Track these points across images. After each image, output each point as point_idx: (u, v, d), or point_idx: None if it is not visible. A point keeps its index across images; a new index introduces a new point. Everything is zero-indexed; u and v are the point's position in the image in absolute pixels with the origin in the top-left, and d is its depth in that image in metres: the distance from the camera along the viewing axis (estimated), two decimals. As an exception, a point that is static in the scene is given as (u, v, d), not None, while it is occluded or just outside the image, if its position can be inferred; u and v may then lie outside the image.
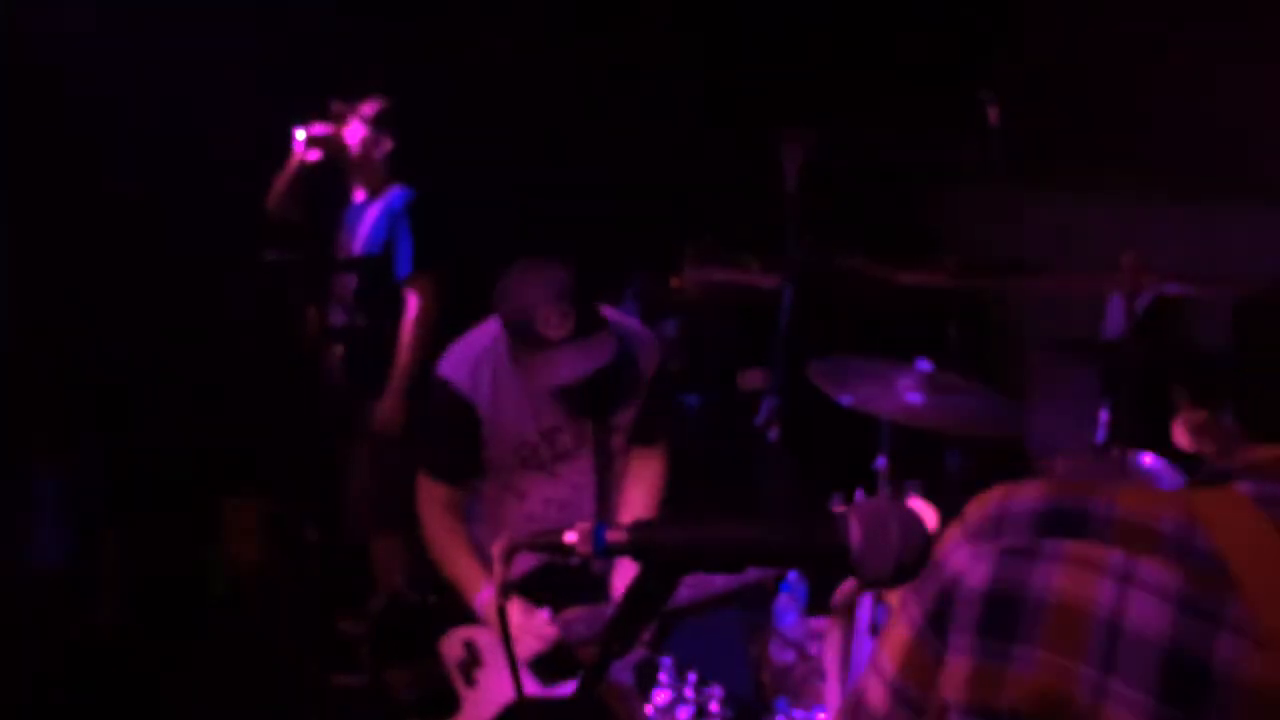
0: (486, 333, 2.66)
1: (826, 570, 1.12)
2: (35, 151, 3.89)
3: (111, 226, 4.03)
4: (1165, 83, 4.01)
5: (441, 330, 3.67)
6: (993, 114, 3.24)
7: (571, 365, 2.43)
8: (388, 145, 3.89)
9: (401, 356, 3.77)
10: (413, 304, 3.80)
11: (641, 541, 1.08)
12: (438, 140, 4.30)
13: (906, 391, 3.13)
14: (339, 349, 3.86)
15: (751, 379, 4.15)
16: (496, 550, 1.15)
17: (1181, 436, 1.37)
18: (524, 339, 2.46)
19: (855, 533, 1.05)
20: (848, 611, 3.12)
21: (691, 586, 2.54)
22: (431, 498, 2.70)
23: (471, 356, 2.64)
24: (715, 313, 4.25)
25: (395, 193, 3.87)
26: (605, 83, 4.43)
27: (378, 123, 3.87)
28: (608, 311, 2.78)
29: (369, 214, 3.89)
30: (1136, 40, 4.04)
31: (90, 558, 4.12)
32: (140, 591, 4.13)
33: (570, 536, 1.07)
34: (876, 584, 1.08)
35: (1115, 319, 3.86)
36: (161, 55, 3.95)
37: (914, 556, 1.07)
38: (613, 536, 1.07)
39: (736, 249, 4.28)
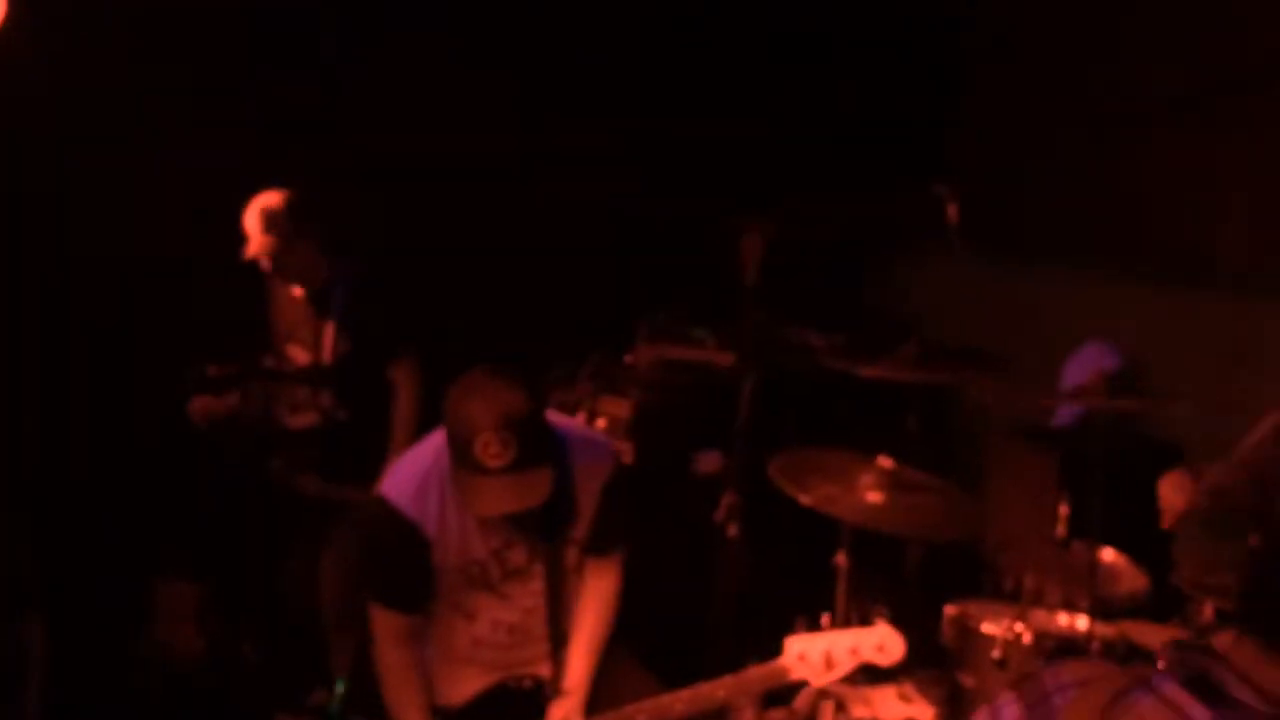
0: (432, 447, 2.54)
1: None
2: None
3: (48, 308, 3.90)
4: (1123, 163, 4.03)
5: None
6: (951, 210, 3.19)
7: (501, 499, 2.33)
8: (307, 240, 3.58)
9: (401, 445, 3.49)
10: (403, 391, 3.60)
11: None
12: (394, 211, 4.20)
13: (866, 490, 3.07)
14: (311, 446, 3.66)
15: (708, 462, 4.08)
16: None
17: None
18: (462, 459, 2.35)
19: None
20: (809, 713, 3.07)
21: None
22: (386, 629, 2.58)
23: (417, 474, 2.52)
24: (669, 390, 4.17)
25: (340, 288, 3.64)
26: (560, 154, 4.37)
27: (279, 223, 3.53)
28: (562, 421, 2.69)
29: (323, 313, 3.66)
30: (1093, 121, 4.06)
31: (16, 646, 3.94)
32: (70, 681, 3.95)
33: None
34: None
35: (1075, 373, 3.85)
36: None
37: None
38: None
39: (691, 325, 4.22)
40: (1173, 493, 3.05)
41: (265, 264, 3.59)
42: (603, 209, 4.42)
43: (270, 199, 3.57)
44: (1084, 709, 1.01)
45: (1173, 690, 0.95)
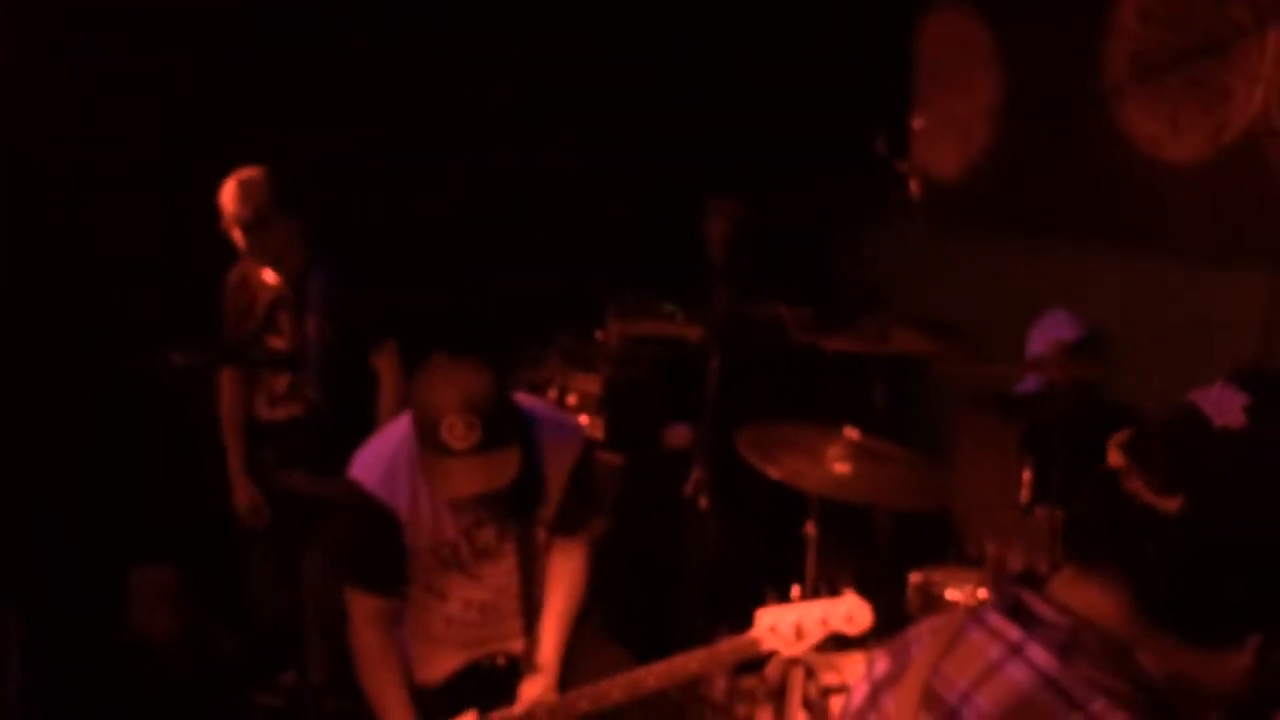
0: (399, 429, 2.55)
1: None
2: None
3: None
4: (1083, 134, 4.06)
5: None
6: (914, 185, 3.23)
7: (468, 481, 2.34)
8: (285, 218, 3.45)
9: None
10: (386, 378, 3.55)
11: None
12: (362, 196, 4.19)
13: (834, 461, 3.11)
14: (298, 439, 3.63)
15: (677, 436, 4.12)
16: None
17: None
18: (428, 441, 2.37)
19: None
20: (780, 681, 3.12)
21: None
22: (363, 611, 2.59)
23: (386, 456, 2.53)
24: (639, 366, 4.20)
25: (318, 276, 3.55)
26: (531, 135, 4.37)
27: (257, 196, 3.40)
28: (530, 403, 2.71)
29: (301, 302, 3.57)
30: (1053, 94, 4.09)
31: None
32: (49, 662, 3.96)
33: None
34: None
35: (1037, 342, 3.91)
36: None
37: None
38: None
39: (660, 301, 4.25)
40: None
41: (239, 238, 3.45)
42: (573, 188, 4.43)
43: (249, 172, 3.45)
44: (932, 649, 1.14)
45: (995, 619, 1.10)
